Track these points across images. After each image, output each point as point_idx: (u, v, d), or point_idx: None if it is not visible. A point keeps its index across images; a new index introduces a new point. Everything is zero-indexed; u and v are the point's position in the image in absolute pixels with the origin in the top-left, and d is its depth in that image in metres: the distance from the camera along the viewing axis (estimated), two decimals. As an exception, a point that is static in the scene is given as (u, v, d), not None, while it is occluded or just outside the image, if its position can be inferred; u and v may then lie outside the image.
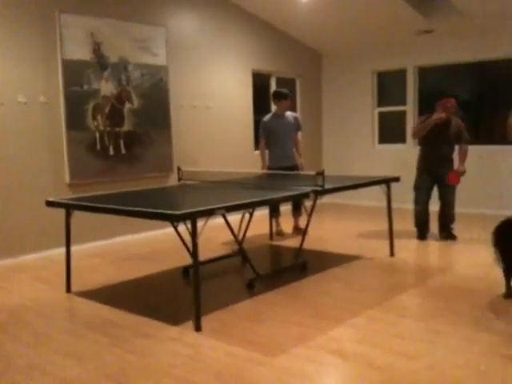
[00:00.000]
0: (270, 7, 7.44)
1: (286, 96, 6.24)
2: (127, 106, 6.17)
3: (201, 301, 3.36)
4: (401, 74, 8.24)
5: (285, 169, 5.91)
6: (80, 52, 5.70)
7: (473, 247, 5.48)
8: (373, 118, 8.66)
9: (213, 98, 7.29)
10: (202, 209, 3.29)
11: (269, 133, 6.24)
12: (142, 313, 3.73)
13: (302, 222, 5.79)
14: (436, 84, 8.47)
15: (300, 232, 6.13)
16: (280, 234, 6.38)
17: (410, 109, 8.15)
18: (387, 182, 5.08)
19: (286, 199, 4.20)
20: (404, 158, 7.82)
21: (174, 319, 3.60)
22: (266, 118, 6.33)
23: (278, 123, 6.23)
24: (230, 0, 7.33)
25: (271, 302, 3.95)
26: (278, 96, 6.28)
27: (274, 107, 6.56)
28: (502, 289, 3.89)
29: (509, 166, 7.28)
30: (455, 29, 7.36)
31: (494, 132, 7.95)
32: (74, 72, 5.65)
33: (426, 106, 8.11)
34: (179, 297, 4.27)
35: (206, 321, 3.47)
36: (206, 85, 7.20)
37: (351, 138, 8.91)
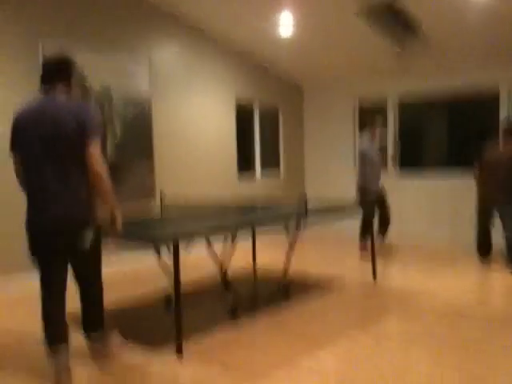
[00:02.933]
0: (252, 41, 7.59)
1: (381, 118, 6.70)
2: (110, 137, 6.18)
3: (182, 328, 3.31)
4: (382, 106, 8.40)
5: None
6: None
7: (455, 271, 5.52)
8: (355, 146, 8.76)
9: (197, 126, 7.35)
10: (184, 230, 3.29)
11: (369, 158, 6.49)
12: (123, 340, 3.67)
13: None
14: (416, 117, 8.64)
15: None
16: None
17: (391, 137, 8.27)
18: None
19: (267, 221, 4.19)
20: (385, 183, 7.89)
21: (154, 345, 3.55)
22: (365, 143, 6.56)
23: (373, 147, 6.55)
24: (213, 33, 7.47)
25: (253, 327, 3.91)
26: (376, 123, 6.57)
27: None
28: (484, 315, 3.90)
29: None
30: (430, 63, 7.57)
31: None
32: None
33: (406, 134, 8.27)
34: (161, 324, 4.20)
35: (187, 346, 3.42)
36: (190, 114, 7.26)
37: (333, 166, 9.00)
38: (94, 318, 3.25)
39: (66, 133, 2.84)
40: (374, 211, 6.41)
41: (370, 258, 5.98)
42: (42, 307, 2.99)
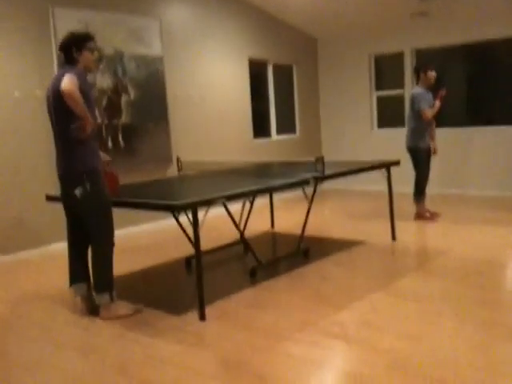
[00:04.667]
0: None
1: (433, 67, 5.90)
2: (124, 98, 6.15)
3: (204, 290, 3.37)
4: (398, 57, 8.20)
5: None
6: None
7: (473, 228, 5.50)
8: (371, 103, 8.62)
9: (210, 87, 7.26)
10: (202, 199, 3.30)
11: (428, 101, 5.81)
12: (145, 304, 3.74)
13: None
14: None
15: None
16: (432, 217, 6.01)
17: (408, 92, 8.10)
18: (387, 166, 5.07)
19: (285, 187, 4.18)
20: (403, 141, 7.79)
21: (177, 309, 3.62)
22: (420, 91, 5.83)
23: (427, 94, 5.87)
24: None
25: (274, 288, 3.97)
26: (427, 67, 5.86)
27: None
28: (505, 270, 3.89)
29: (504, 146, 7.26)
30: (449, 9, 7.31)
31: (491, 113, 7.90)
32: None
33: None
34: (182, 287, 4.28)
35: (209, 309, 3.48)
36: (203, 74, 7.16)
37: (350, 123, 8.88)
38: (93, 277, 3.58)
39: (57, 99, 3.30)
40: (428, 169, 5.98)
41: (430, 218, 5.95)
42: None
